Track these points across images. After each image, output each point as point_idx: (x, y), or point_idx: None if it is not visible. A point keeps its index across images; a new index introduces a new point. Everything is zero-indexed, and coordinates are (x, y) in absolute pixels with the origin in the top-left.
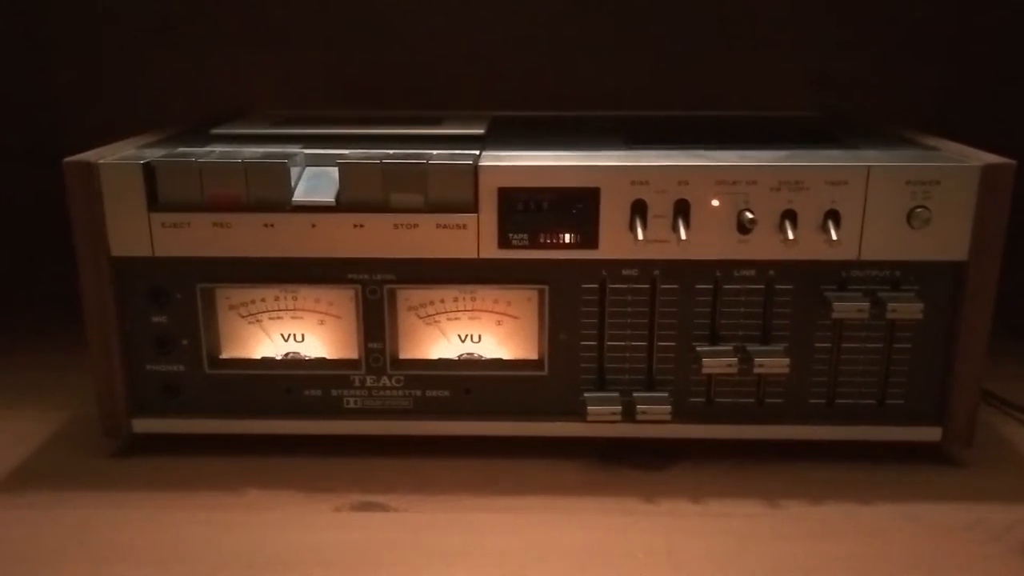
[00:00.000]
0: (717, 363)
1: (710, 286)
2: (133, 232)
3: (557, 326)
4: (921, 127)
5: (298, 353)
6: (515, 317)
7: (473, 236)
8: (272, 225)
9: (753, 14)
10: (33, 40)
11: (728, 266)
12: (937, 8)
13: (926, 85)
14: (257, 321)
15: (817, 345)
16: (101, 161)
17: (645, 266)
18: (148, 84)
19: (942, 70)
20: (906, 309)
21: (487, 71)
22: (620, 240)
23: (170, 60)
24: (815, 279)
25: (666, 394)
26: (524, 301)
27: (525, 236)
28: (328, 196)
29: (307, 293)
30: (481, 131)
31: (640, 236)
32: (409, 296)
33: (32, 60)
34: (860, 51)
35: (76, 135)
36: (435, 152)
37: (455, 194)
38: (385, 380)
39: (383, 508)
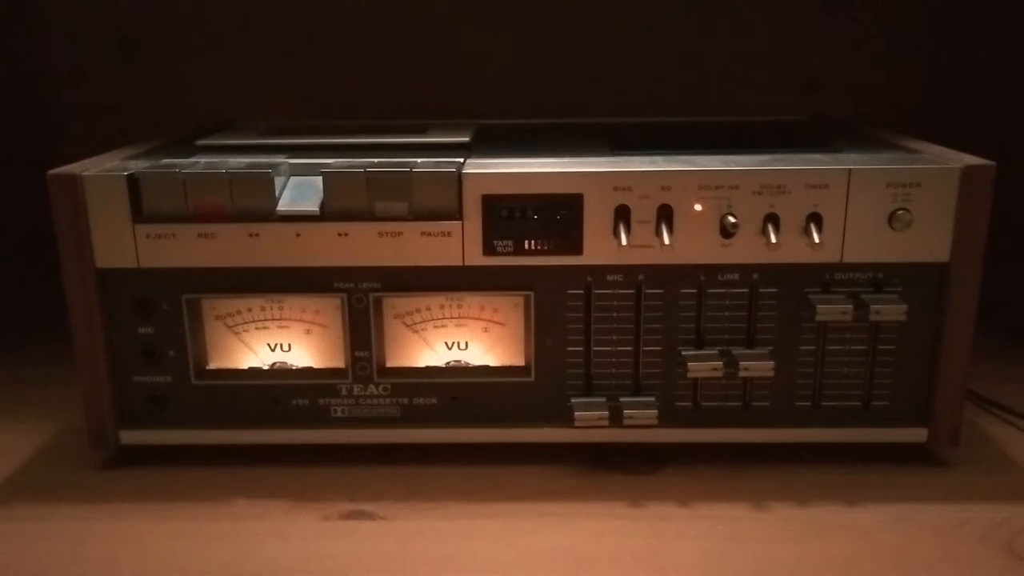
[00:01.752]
0: (702, 367)
1: (694, 290)
2: (118, 244)
3: (543, 332)
4: (907, 131)
5: (285, 363)
6: (501, 324)
7: (458, 243)
8: (257, 235)
9: (739, 19)
10: (19, 50)
11: (712, 270)
12: (922, 12)
13: (912, 88)
14: (243, 331)
15: (802, 348)
16: (85, 173)
17: (629, 271)
18: (136, 95)
19: (927, 73)
20: (890, 311)
21: (474, 79)
22: (604, 246)
23: (157, 71)
24: (799, 282)
25: (652, 398)
26: (510, 308)
27: (510, 243)
28: (312, 205)
29: (293, 302)
30: (466, 139)
31: (624, 241)
32: (395, 304)
33: (18, 70)
34: (846, 55)
35: (62, 146)
36: (419, 160)
37: (439, 202)
38: (372, 388)
39: (371, 517)
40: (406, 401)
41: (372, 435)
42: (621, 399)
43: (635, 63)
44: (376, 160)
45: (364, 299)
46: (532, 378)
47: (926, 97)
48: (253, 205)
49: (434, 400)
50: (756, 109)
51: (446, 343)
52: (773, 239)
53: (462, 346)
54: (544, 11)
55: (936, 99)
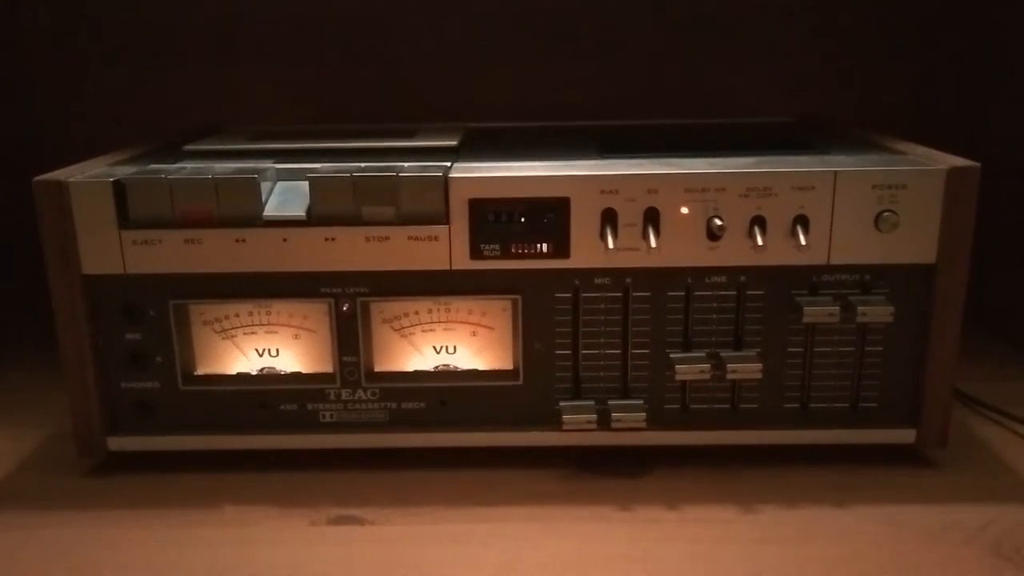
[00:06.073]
0: (690, 370)
1: (682, 293)
2: (104, 250)
3: (531, 336)
4: (896, 133)
5: (273, 368)
6: (489, 327)
7: (445, 247)
8: (244, 240)
9: (727, 21)
10: (3, 55)
11: (699, 273)
12: (910, 15)
13: (901, 90)
14: (231, 336)
15: (790, 350)
16: (71, 180)
17: (617, 274)
18: (122, 101)
19: (917, 76)
20: (876, 312)
21: (463, 83)
22: (591, 249)
23: (143, 77)
24: (786, 284)
25: (641, 401)
26: (498, 311)
27: (497, 247)
28: (299, 210)
29: (281, 307)
30: (454, 143)
31: (611, 245)
32: (383, 309)
33: (3, 75)
34: (834, 57)
35: (48, 152)
36: (406, 165)
37: (426, 206)
38: (360, 393)
39: (359, 521)
40: (394, 405)
41: (360, 440)
42: (609, 402)
43: (623, 66)
44: (363, 164)
45: (352, 304)
46: (520, 382)
47: (914, 99)
48: (239, 210)
49: (422, 404)
50: (744, 111)
51: (434, 347)
52: (760, 241)
53: (450, 350)
54: (531, 14)
55: (924, 101)
